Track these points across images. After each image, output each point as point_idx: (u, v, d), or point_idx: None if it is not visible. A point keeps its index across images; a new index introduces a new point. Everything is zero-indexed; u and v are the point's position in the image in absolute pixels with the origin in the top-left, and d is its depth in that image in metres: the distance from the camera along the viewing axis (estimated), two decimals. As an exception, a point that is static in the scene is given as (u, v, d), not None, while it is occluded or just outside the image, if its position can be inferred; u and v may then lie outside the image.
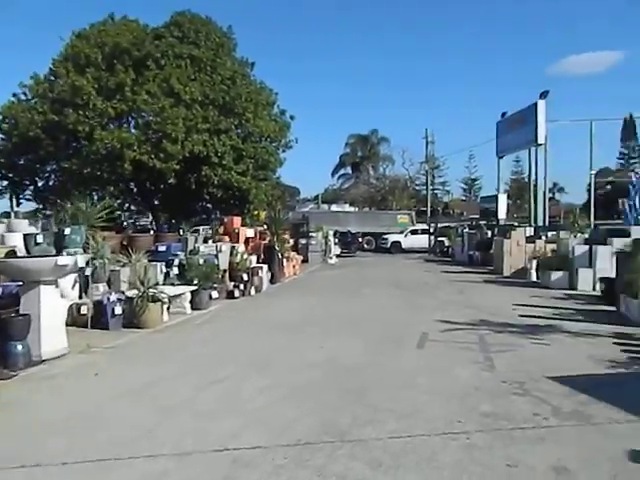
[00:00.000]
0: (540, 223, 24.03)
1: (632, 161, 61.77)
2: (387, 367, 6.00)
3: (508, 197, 60.07)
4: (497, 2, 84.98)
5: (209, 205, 26.86)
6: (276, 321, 9.11)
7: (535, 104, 24.78)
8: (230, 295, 11.57)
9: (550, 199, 65.14)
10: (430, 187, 43.49)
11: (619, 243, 12.03)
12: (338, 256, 25.44)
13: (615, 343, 7.06)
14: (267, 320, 9.31)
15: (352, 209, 45.26)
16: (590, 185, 30.70)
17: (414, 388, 5.20)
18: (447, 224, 36.24)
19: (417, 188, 60.59)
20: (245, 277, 12.18)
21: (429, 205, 36.38)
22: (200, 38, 23.12)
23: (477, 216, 36.05)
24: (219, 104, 22.14)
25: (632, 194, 30.10)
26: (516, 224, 25.02)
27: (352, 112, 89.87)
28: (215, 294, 10.76)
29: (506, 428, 4.15)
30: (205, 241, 13.34)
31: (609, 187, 53.04)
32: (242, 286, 11.90)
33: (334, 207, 43.12)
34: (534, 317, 9.09)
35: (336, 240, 26.31)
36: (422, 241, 32.07)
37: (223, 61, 23.12)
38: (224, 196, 23.65)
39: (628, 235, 12.50)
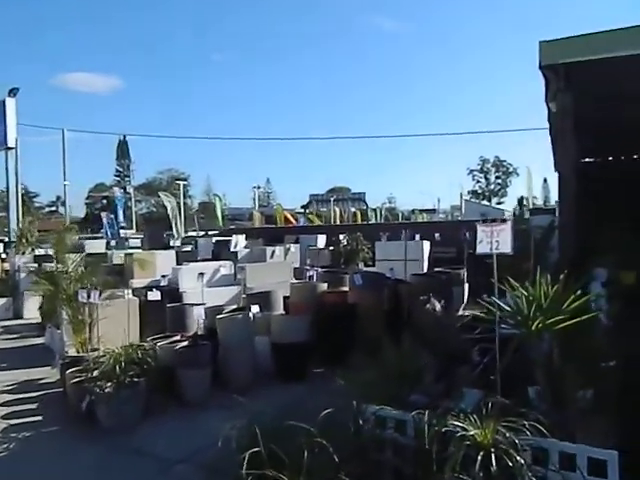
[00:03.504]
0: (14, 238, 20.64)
1: (126, 178, 66.17)
2: None
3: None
4: None
5: None
6: None
7: (3, 102, 21.22)
8: None
9: (53, 212, 61.12)
10: None
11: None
12: None
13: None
14: None
15: None
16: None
17: None
18: None
19: None
20: None
21: None
22: None
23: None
24: None
25: (117, 208, 31.13)
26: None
27: None
28: None
29: None
30: None
31: (105, 201, 54.47)
32: None
33: None
34: None
35: None
36: None
37: None
38: None
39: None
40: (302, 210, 52.17)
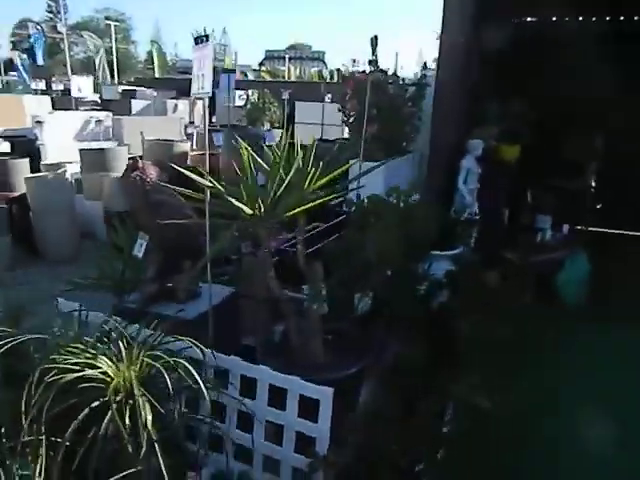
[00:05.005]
0: None
1: (59, 15, 58.23)
2: None
3: None
4: None
5: None
6: None
7: None
8: None
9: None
10: None
11: None
12: None
13: None
14: None
15: None
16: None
17: None
18: None
19: None
20: None
21: None
22: None
23: None
24: None
25: (34, 49, 27.31)
26: None
27: None
28: None
29: None
30: None
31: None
32: None
33: None
34: None
35: None
36: None
37: None
38: None
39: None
40: (258, 67, 48.03)
